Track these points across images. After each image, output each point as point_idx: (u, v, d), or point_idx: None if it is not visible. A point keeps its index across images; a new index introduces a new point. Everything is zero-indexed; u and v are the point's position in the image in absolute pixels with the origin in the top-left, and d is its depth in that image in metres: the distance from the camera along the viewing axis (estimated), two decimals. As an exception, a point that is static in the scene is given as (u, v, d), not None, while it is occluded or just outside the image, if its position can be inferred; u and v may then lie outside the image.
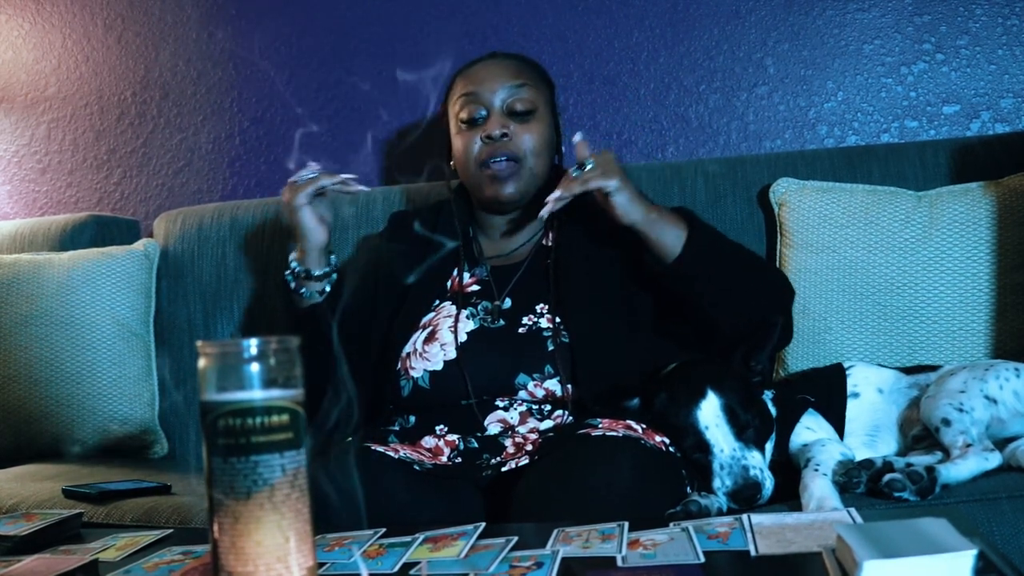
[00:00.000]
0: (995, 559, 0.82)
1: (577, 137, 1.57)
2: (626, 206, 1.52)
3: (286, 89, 2.51)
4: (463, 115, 1.71)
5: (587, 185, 1.50)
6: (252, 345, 0.76)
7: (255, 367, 0.76)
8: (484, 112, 1.70)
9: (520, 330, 1.58)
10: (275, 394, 0.76)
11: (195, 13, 2.56)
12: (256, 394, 0.76)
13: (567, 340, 1.56)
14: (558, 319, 1.58)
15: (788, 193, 1.94)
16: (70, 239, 2.37)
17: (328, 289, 1.66)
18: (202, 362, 0.77)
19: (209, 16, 2.55)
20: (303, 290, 1.65)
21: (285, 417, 0.76)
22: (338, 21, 2.47)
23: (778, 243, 1.94)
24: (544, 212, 1.53)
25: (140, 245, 2.29)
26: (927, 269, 1.79)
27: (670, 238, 1.54)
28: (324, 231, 1.64)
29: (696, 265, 1.54)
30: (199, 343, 0.77)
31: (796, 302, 1.80)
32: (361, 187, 1.62)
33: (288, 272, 1.66)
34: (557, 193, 1.51)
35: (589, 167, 1.52)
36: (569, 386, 1.53)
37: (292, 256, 1.66)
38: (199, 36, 2.56)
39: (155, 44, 2.60)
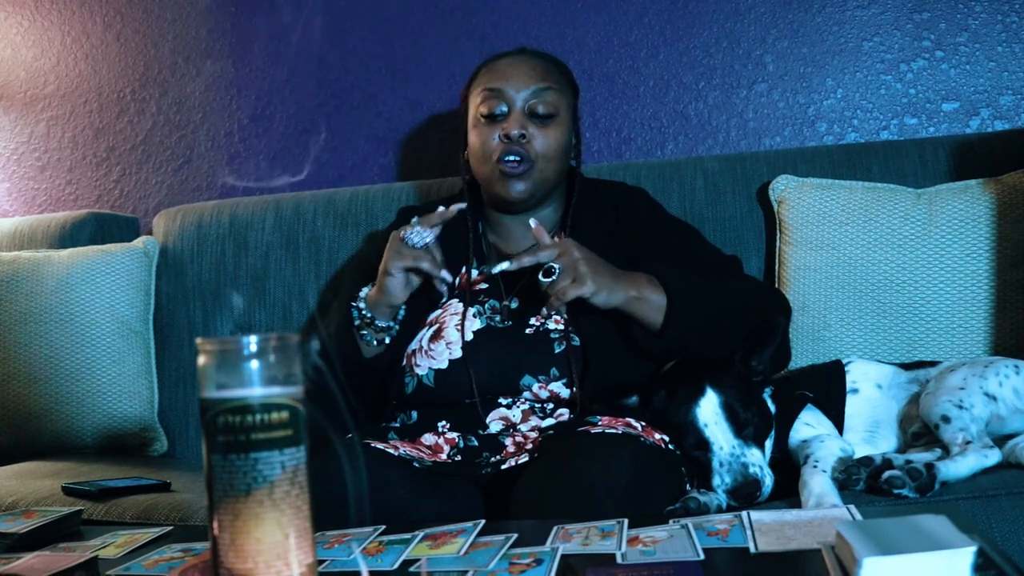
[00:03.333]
0: (994, 556, 0.82)
1: (532, 223, 1.53)
2: (606, 300, 1.48)
3: (285, 86, 2.51)
4: (483, 109, 1.68)
5: (566, 298, 1.45)
6: (252, 342, 0.76)
7: (255, 364, 0.76)
8: (505, 108, 1.67)
9: (527, 331, 1.58)
10: (275, 391, 0.76)
11: (194, 10, 2.56)
12: (256, 391, 0.76)
13: (577, 343, 1.55)
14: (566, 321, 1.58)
15: (787, 190, 1.94)
16: (69, 236, 2.37)
17: (388, 341, 1.60)
18: (202, 359, 0.77)
19: (208, 13, 2.55)
20: (364, 332, 1.59)
21: (285, 414, 0.76)
22: (337, 18, 2.47)
23: (777, 240, 1.94)
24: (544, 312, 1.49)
25: (139, 242, 2.29)
26: (926, 266, 1.79)
27: (652, 312, 1.51)
28: (406, 296, 1.57)
29: (681, 334, 1.50)
30: (199, 340, 0.77)
31: (796, 299, 1.81)
32: (444, 288, 1.58)
33: (354, 308, 1.60)
34: (544, 312, 1.48)
35: (557, 275, 1.46)
36: (575, 389, 1.53)
37: (364, 294, 1.60)
38: (199, 33, 2.56)
39: (154, 41, 2.59)
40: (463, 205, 1.57)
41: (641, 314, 1.52)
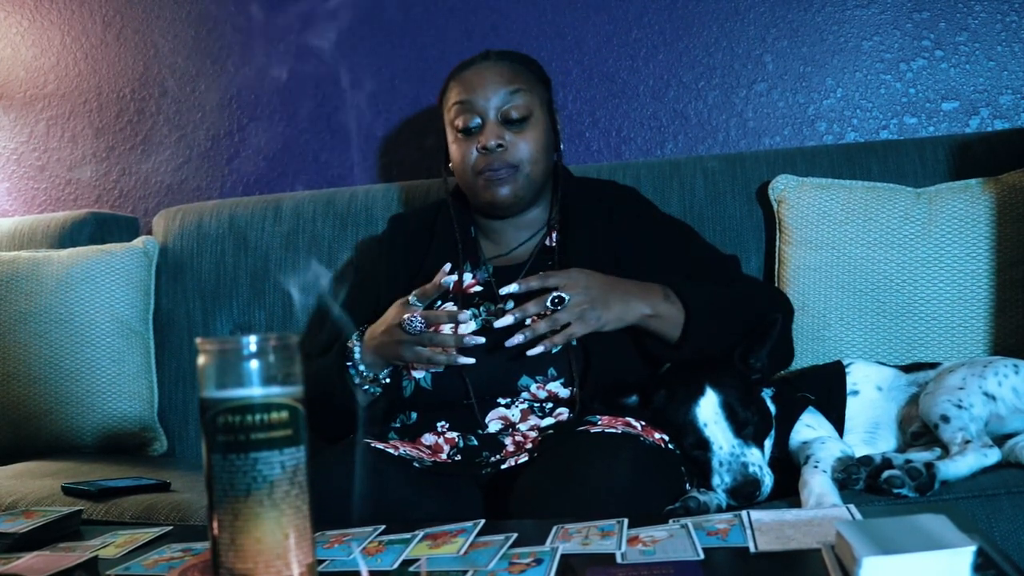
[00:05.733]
0: (994, 555, 0.82)
1: (515, 287, 1.49)
2: (616, 323, 1.50)
3: (285, 86, 2.51)
4: (458, 123, 1.69)
5: (572, 336, 1.46)
6: (251, 342, 0.76)
7: (254, 364, 0.76)
8: (478, 121, 1.67)
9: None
10: (274, 391, 0.76)
11: (194, 9, 2.56)
12: (255, 391, 0.76)
13: (574, 342, 1.55)
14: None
15: (787, 190, 1.94)
16: (69, 236, 2.37)
17: (389, 381, 1.58)
18: (201, 359, 0.77)
19: (208, 12, 2.55)
20: (366, 387, 1.57)
21: (284, 414, 0.76)
22: (337, 18, 2.47)
23: (777, 240, 1.94)
24: (535, 351, 1.47)
25: (139, 242, 2.29)
26: (926, 265, 1.79)
27: (668, 328, 1.54)
28: None
29: (697, 345, 1.53)
30: (199, 340, 0.77)
31: (796, 299, 1.81)
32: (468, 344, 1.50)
33: (350, 365, 1.57)
34: (540, 349, 1.46)
35: (566, 305, 1.46)
36: (574, 388, 1.53)
37: (358, 352, 1.56)
38: (198, 32, 2.56)
39: (154, 41, 2.59)
40: (452, 278, 1.52)
41: (656, 329, 1.54)
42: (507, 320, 1.48)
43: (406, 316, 1.48)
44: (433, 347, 1.49)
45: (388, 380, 1.58)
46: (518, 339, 1.46)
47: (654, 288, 1.55)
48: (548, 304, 1.47)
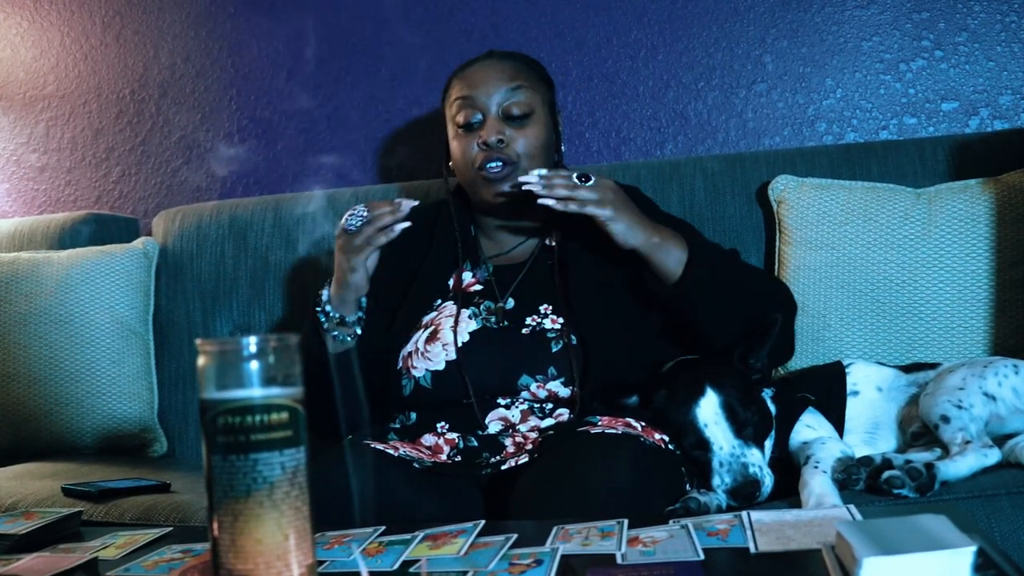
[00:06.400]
0: (994, 556, 0.82)
1: (539, 174, 1.56)
2: (624, 233, 1.52)
3: (285, 87, 2.51)
4: (459, 119, 1.69)
5: (584, 209, 1.51)
6: (251, 343, 0.76)
7: (254, 365, 0.76)
8: (480, 116, 1.67)
9: (524, 331, 1.58)
10: (274, 392, 0.77)
11: (194, 10, 2.56)
12: (255, 392, 0.76)
13: (575, 341, 1.55)
14: (562, 320, 1.58)
15: (787, 190, 1.94)
16: (69, 237, 2.37)
17: (360, 332, 1.59)
18: (201, 360, 0.77)
19: (208, 13, 2.55)
20: (335, 333, 1.58)
21: (284, 415, 0.77)
22: (336, 18, 2.47)
23: (777, 240, 1.94)
24: (544, 201, 1.53)
25: (139, 243, 2.29)
26: (926, 266, 1.79)
27: (671, 262, 1.54)
28: (367, 282, 1.59)
29: (696, 289, 1.52)
30: (198, 341, 0.77)
31: (796, 299, 1.80)
32: (404, 212, 1.54)
33: (319, 310, 1.59)
34: (551, 202, 1.52)
35: (589, 185, 1.52)
36: (574, 387, 1.53)
37: (326, 295, 1.59)
38: (198, 34, 2.56)
39: (154, 42, 2.59)
40: (412, 202, 1.56)
41: (659, 261, 1.54)
42: (532, 177, 1.53)
43: (347, 214, 1.54)
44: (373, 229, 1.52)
45: (359, 330, 1.59)
46: (533, 180, 1.52)
47: (664, 227, 1.58)
48: (575, 180, 1.52)
